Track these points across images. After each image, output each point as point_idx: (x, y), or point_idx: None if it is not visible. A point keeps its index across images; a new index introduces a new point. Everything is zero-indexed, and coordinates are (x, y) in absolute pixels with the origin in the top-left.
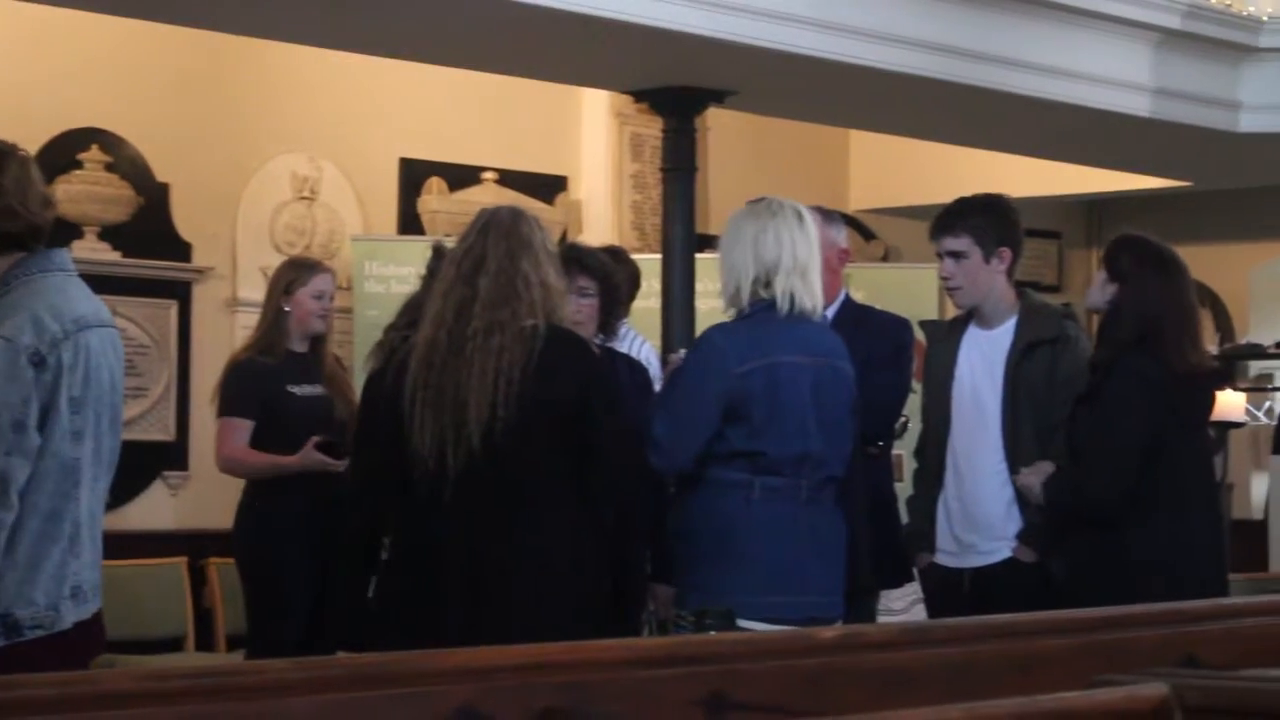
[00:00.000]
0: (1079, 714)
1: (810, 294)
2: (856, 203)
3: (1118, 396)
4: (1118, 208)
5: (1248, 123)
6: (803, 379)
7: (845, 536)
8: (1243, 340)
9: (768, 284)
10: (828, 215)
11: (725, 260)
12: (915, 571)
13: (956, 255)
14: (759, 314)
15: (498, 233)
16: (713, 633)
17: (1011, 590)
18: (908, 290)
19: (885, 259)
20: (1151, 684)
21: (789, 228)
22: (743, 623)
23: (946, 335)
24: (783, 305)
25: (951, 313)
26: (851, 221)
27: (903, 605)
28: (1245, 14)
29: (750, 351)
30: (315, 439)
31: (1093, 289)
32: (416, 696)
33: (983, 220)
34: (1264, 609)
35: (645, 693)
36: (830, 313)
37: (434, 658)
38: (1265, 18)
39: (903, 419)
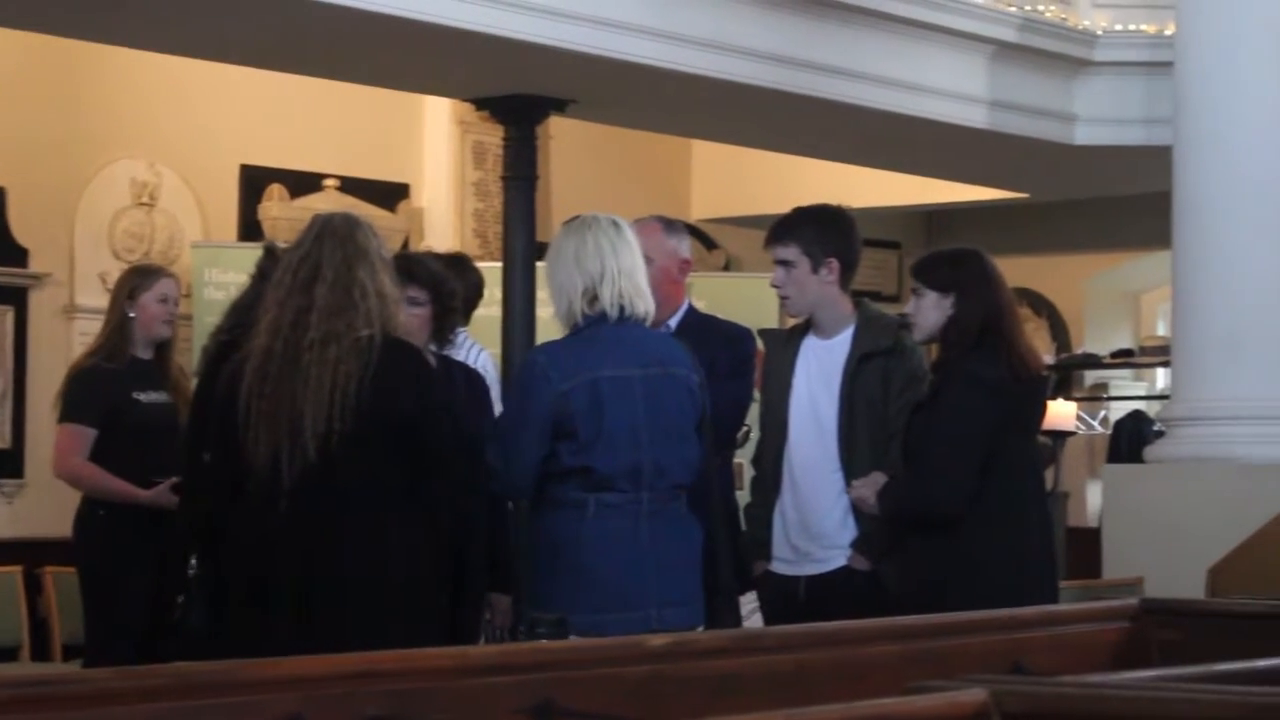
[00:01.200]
0: (901, 718)
1: (641, 298)
2: (699, 212)
3: (957, 401)
4: (956, 219)
5: (1083, 135)
6: (632, 391)
7: (699, 544)
8: (1079, 350)
9: (595, 297)
10: (670, 225)
11: (553, 281)
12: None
13: (786, 264)
14: (586, 330)
15: (334, 241)
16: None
17: (846, 598)
18: (749, 300)
19: (727, 269)
20: (970, 690)
21: (607, 237)
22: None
23: (785, 344)
24: (613, 313)
25: (793, 322)
26: (693, 231)
27: (744, 613)
28: (1080, 28)
29: (573, 368)
30: (172, 480)
31: (924, 313)
32: (244, 706)
33: (812, 230)
34: (1090, 615)
35: (473, 701)
36: (673, 322)
37: (261, 667)
38: (1100, 31)
39: (745, 428)
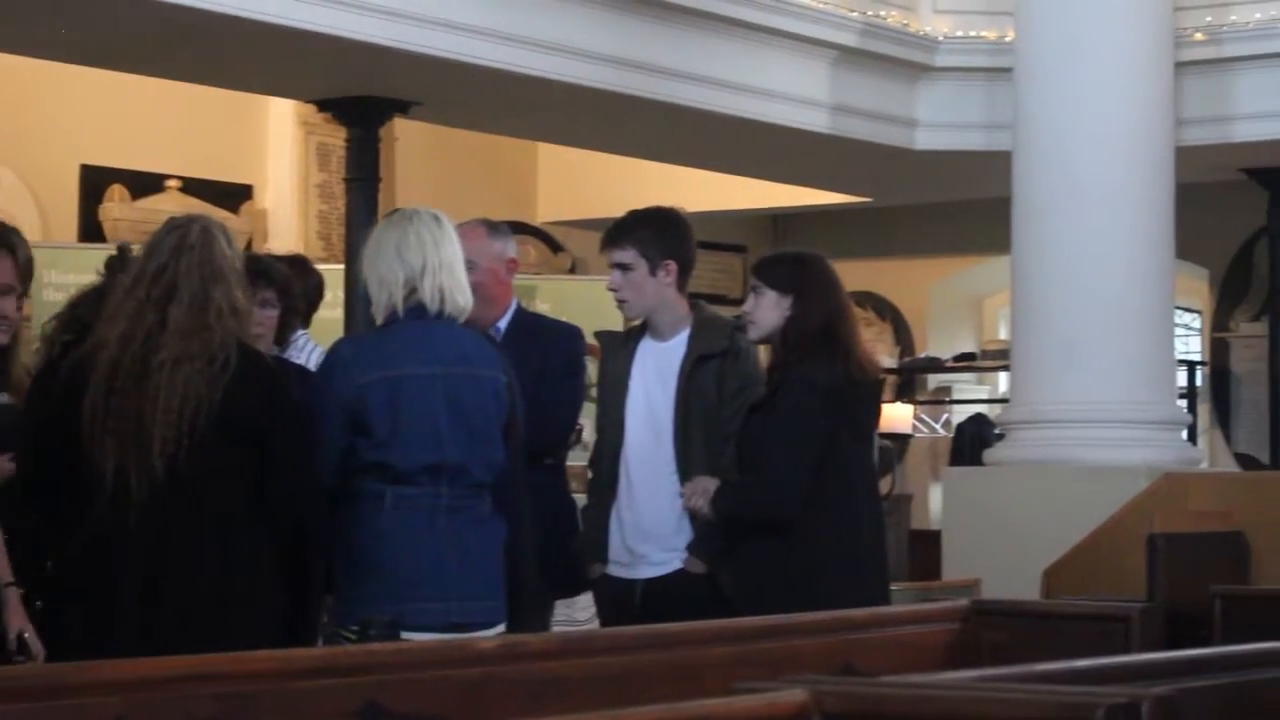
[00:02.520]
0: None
1: (461, 293)
2: (544, 214)
3: (794, 404)
4: (801, 222)
5: (924, 140)
6: (434, 389)
7: (500, 542)
8: (922, 354)
9: (415, 289)
10: (494, 227)
11: (373, 274)
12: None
13: (623, 267)
14: (397, 324)
15: (191, 258)
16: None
17: (682, 601)
18: (595, 302)
19: (573, 271)
20: (791, 690)
21: (429, 230)
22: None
23: (621, 346)
24: (432, 307)
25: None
26: (539, 233)
27: (586, 616)
28: (921, 33)
29: (375, 362)
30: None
31: (761, 313)
32: (68, 710)
33: (648, 233)
34: (921, 617)
35: (302, 703)
36: (502, 323)
37: (84, 670)
38: (941, 37)
39: (579, 428)
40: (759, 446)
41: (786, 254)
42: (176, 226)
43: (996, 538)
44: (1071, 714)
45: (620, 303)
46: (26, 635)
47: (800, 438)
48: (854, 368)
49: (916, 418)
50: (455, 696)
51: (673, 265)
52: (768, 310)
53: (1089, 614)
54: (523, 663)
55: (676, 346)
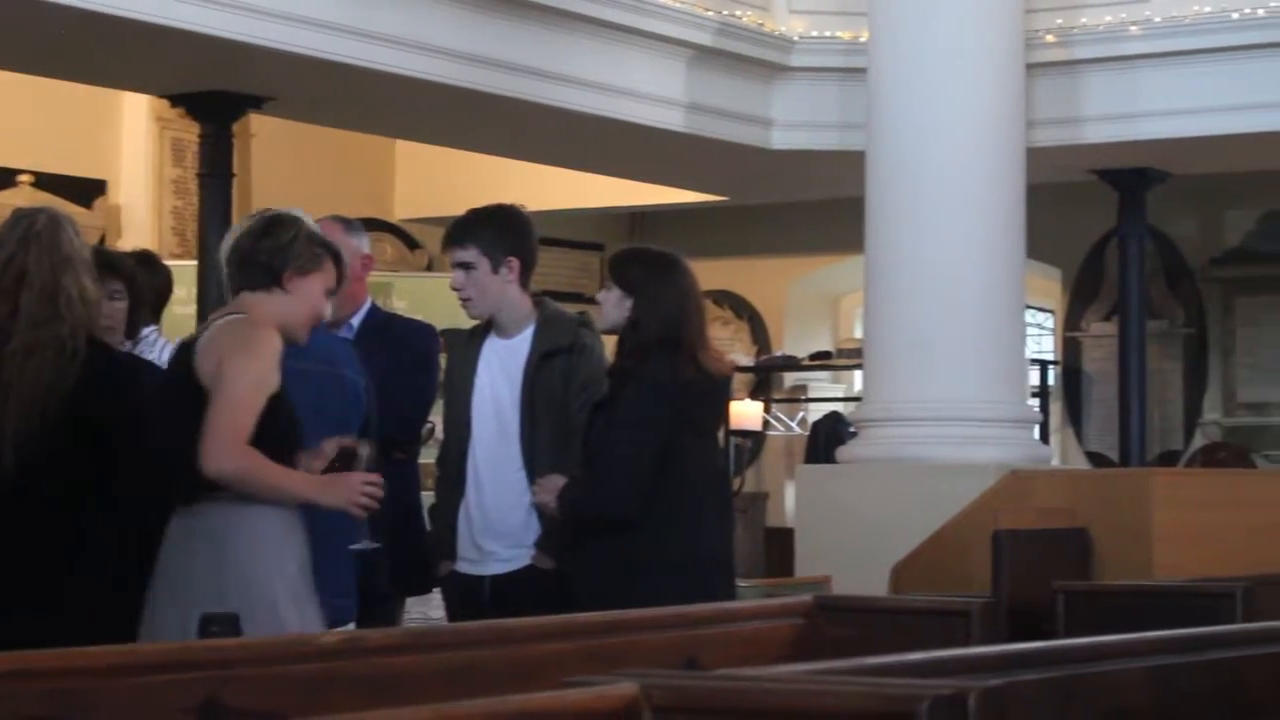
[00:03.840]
0: (549, 714)
1: None
2: (402, 212)
3: (634, 402)
4: (659, 220)
5: (779, 139)
6: (305, 385)
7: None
8: (779, 352)
9: None
10: (349, 223)
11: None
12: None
13: (466, 266)
14: None
15: (39, 246)
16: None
17: (531, 597)
18: (452, 299)
19: (430, 268)
20: (621, 684)
21: None
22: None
23: (467, 343)
24: None
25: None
26: (396, 231)
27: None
28: (777, 33)
29: None
30: None
31: (606, 308)
32: None
33: (490, 231)
34: (764, 613)
35: (137, 700)
36: (356, 321)
37: None
38: (796, 37)
39: (429, 425)
40: (599, 446)
41: (638, 252)
42: (24, 217)
43: (848, 535)
44: (897, 706)
45: (464, 301)
46: None
47: (638, 437)
48: (697, 367)
49: (773, 415)
50: (296, 692)
51: (515, 263)
52: (611, 307)
53: (930, 609)
54: (364, 658)
55: (521, 343)
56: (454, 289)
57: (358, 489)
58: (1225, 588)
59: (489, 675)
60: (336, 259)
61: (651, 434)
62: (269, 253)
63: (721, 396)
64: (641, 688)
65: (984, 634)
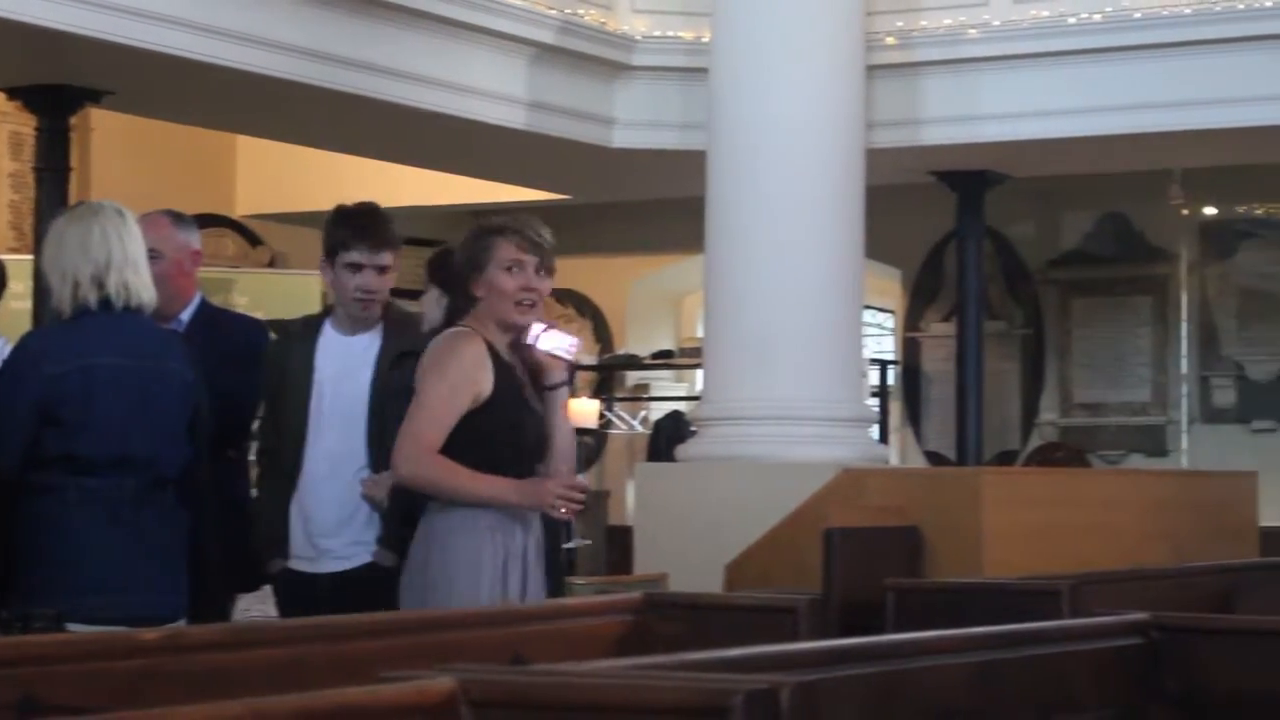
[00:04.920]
0: (365, 710)
1: (145, 289)
2: (244, 208)
3: None
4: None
5: (621, 138)
6: (126, 381)
7: (184, 537)
8: (621, 351)
9: (101, 284)
10: (179, 218)
11: (54, 267)
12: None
13: (384, 269)
14: (84, 316)
15: None
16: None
17: (369, 595)
18: (294, 296)
19: (272, 265)
20: (439, 679)
21: (114, 225)
22: (70, 626)
23: (300, 338)
24: (117, 302)
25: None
26: (238, 227)
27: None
28: (619, 32)
29: (66, 354)
30: None
31: (427, 307)
32: None
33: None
34: (593, 609)
35: None
36: (185, 315)
37: None
38: (639, 36)
39: (259, 421)
40: None
41: (452, 251)
42: None
43: (686, 533)
44: (711, 700)
45: (372, 304)
46: None
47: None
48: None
49: (615, 414)
50: (115, 689)
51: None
52: (431, 306)
53: (759, 606)
54: (186, 654)
55: (365, 341)
56: (369, 291)
57: (552, 492)
58: (1052, 585)
59: (315, 672)
60: None
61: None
62: None
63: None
64: (459, 683)
65: (811, 631)
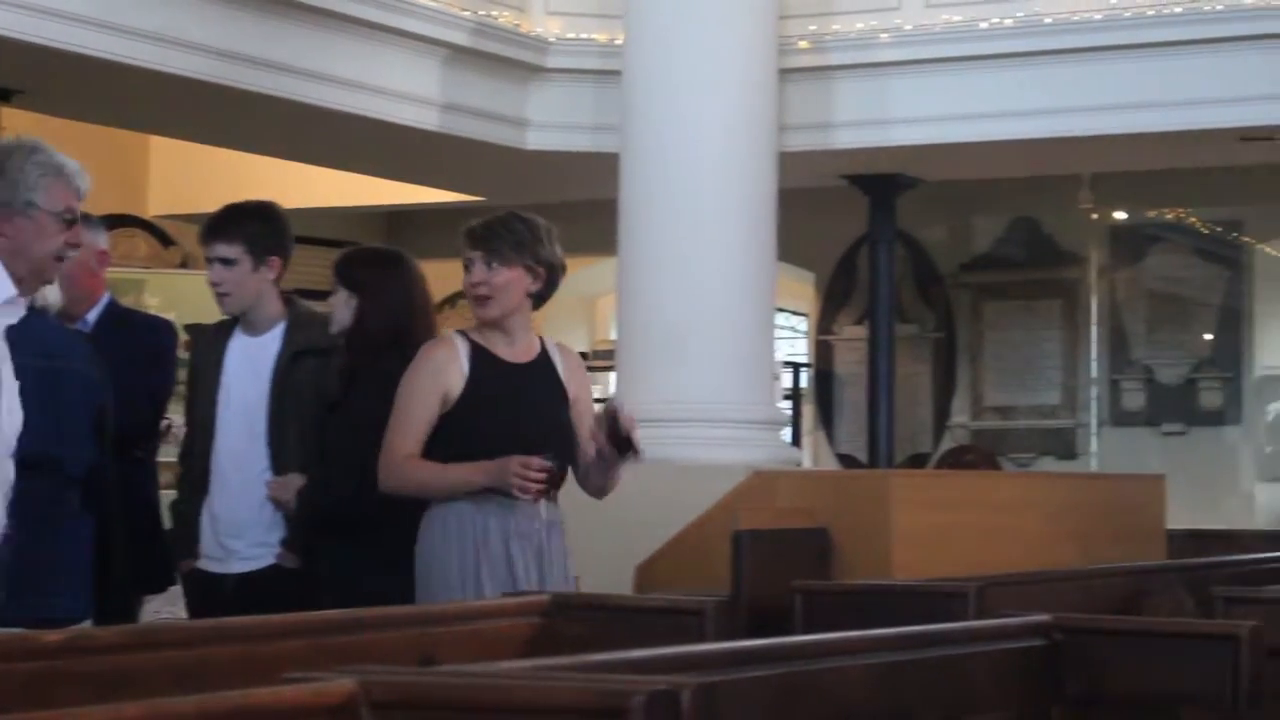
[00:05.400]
0: (265, 711)
1: (50, 289)
2: (156, 208)
3: (368, 400)
4: (416, 220)
5: (534, 140)
6: (31, 381)
7: (89, 539)
8: None
9: None
10: (85, 218)
11: None
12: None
13: (227, 262)
14: None
15: None
16: None
17: (275, 596)
18: (205, 297)
19: (184, 265)
20: (339, 680)
21: None
22: None
23: (213, 339)
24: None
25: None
26: (150, 227)
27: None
28: (533, 34)
29: None
30: None
31: (335, 309)
32: None
33: (256, 228)
34: (500, 611)
35: None
36: (92, 316)
37: None
38: (552, 39)
39: (166, 422)
40: (334, 444)
41: (360, 252)
42: None
43: (598, 535)
44: (612, 701)
45: (221, 296)
46: None
47: (371, 435)
48: None
49: None
50: (16, 691)
51: (276, 261)
52: (340, 307)
53: (665, 608)
54: (90, 656)
55: (271, 341)
56: (212, 283)
57: (512, 471)
58: (958, 588)
59: (221, 673)
60: None
61: (383, 431)
62: None
63: None
64: (360, 684)
65: (719, 633)
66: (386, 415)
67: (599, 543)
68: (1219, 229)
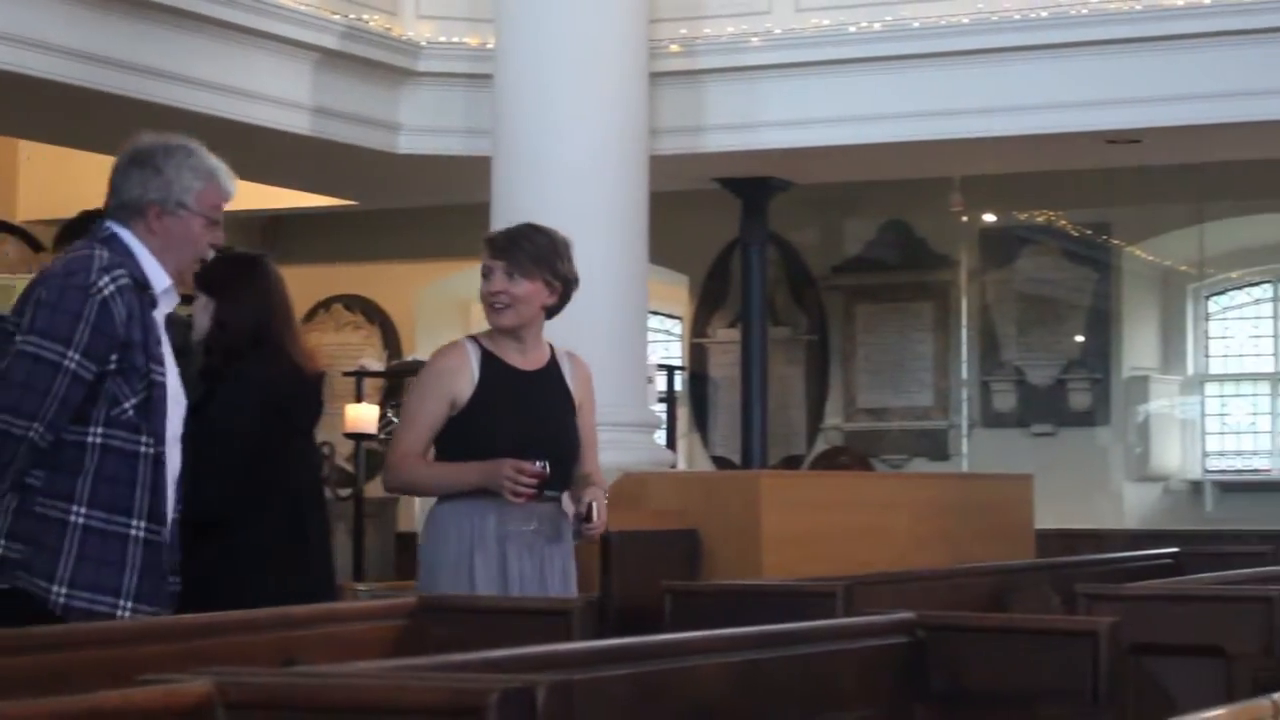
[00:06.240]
0: (117, 713)
1: None
2: (25, 213)
3: (228, 402)
4: (291, 225)
5: (406, 144)
6: None
7: None
8: (409, 357)
9: None
10: None
11: None
12: None
13: None
14: None
15: None
16: None
17: None
18: None
19: None
20: (195, 681)
21: None
22: None
23: None
24: None
25: None
26: (20, 232)
27: None
28: (404, 38)
29: None
30: None
31: (196, 314)
32: None
33: None
34: (366, 614)
35: None
36: None
37: None
38: (424, 42)
39: None
40: (194, 448)
41: (220, 257)
42: None
43: None
44: (467, 700)
45: None
46: None
47: (232, 438)
48: (289, 365)
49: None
50: None
51: None
52: (199, 312)
53: (534, 609)
54: None
55: None
56: None
57: (503, 473)
58: (826, 587)
59: (85, 678)
60: None
61: (243, 434)
62: None
63: (315, 395)
64: (215, 685)
65: (586, 633)
66: (246, 417)
67: None
68: (1088, 231)
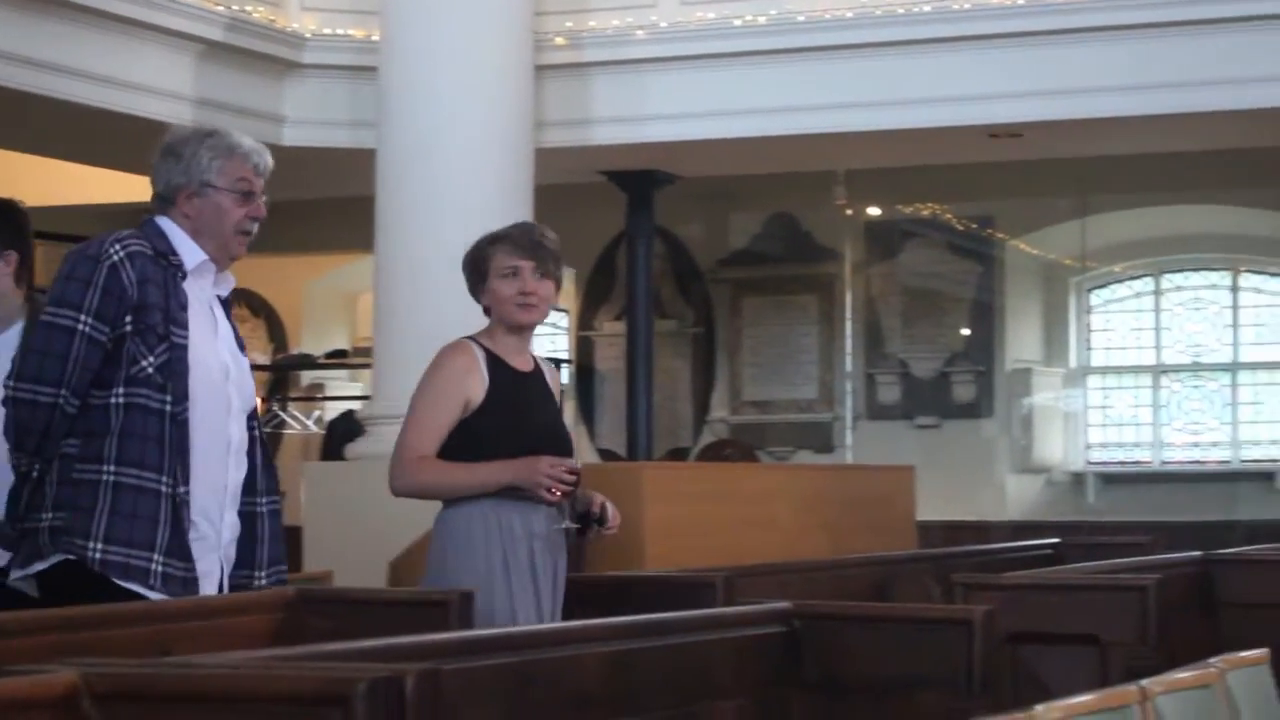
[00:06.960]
0: None
1: None
2: None
3: None
4: None
5: (291, 136)
6: None
7: None
8: (295, 351)
9: None
10: None
11: None
12: None
13: None
14: None
15: None
16: None
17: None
18: None
19: None
20: (60, 672)
21: None
22: None
23: None
24: None
25: None
26: None
27: None
28: (288, 30)
29: None
30: None
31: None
32: None
33: None
34: (243, 606)
35: None
36: None
37: None
38: (308, 34)
39: None
40: None
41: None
42: None
43: (355, 531)
44: (334, 689)
45: None
46: None
47: None
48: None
49: (289, 414)
50: None
51: (14, 256)
52: None
53: (411, 600)
54: None
55: (13, 338)
56: None
57: (541, 470)
58: (707, 578)
59: None
60: None
61: None
62: None
63: None
64: (81, 676)
65: (464, 625)
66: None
67: (355, 539)
68: (972, 225)
